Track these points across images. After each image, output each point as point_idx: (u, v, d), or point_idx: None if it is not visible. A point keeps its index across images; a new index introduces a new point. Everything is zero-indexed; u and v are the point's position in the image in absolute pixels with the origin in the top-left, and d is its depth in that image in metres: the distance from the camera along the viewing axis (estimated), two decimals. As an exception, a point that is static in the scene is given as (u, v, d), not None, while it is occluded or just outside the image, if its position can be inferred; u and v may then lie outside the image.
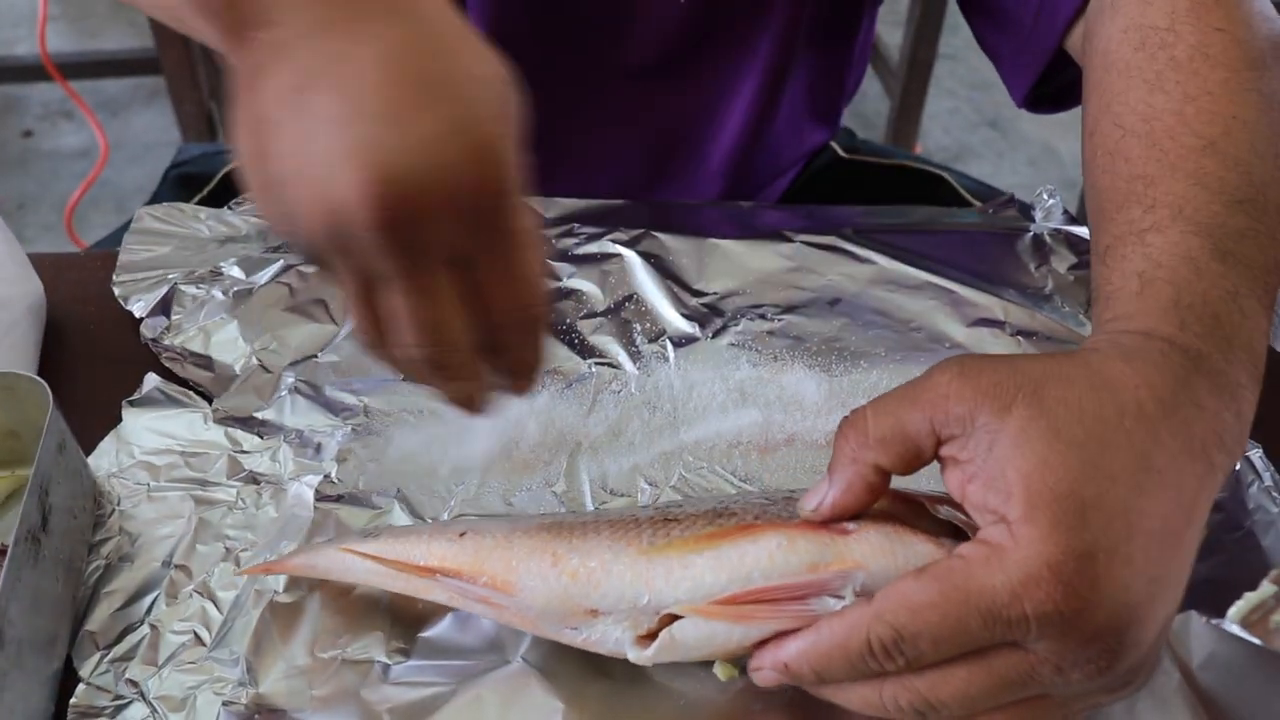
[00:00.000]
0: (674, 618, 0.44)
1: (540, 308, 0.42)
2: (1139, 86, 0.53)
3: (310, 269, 0.68)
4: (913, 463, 0.42)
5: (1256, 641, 0.48)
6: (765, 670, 0.43)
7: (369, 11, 0.38)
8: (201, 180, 0.91)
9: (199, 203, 0.79)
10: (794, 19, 0.80)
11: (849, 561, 0.42)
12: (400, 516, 0.56)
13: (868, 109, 2.48)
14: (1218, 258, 0.45)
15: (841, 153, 0.97)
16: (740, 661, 0.49)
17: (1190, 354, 0.42)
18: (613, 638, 0.45)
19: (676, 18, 0.77)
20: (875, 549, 0.42)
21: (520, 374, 0.45)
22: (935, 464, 0.43)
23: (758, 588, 0.42)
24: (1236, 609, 0.48)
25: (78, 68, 2.10)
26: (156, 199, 0.89)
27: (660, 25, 0.77)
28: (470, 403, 0.46)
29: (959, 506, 0.42)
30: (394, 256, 0.37)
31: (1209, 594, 0.52)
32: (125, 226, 0.76)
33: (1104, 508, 0.37)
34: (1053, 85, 0.72)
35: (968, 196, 0.91)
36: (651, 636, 0.45)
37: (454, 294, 0.39)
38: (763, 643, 0.43)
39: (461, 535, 0.48)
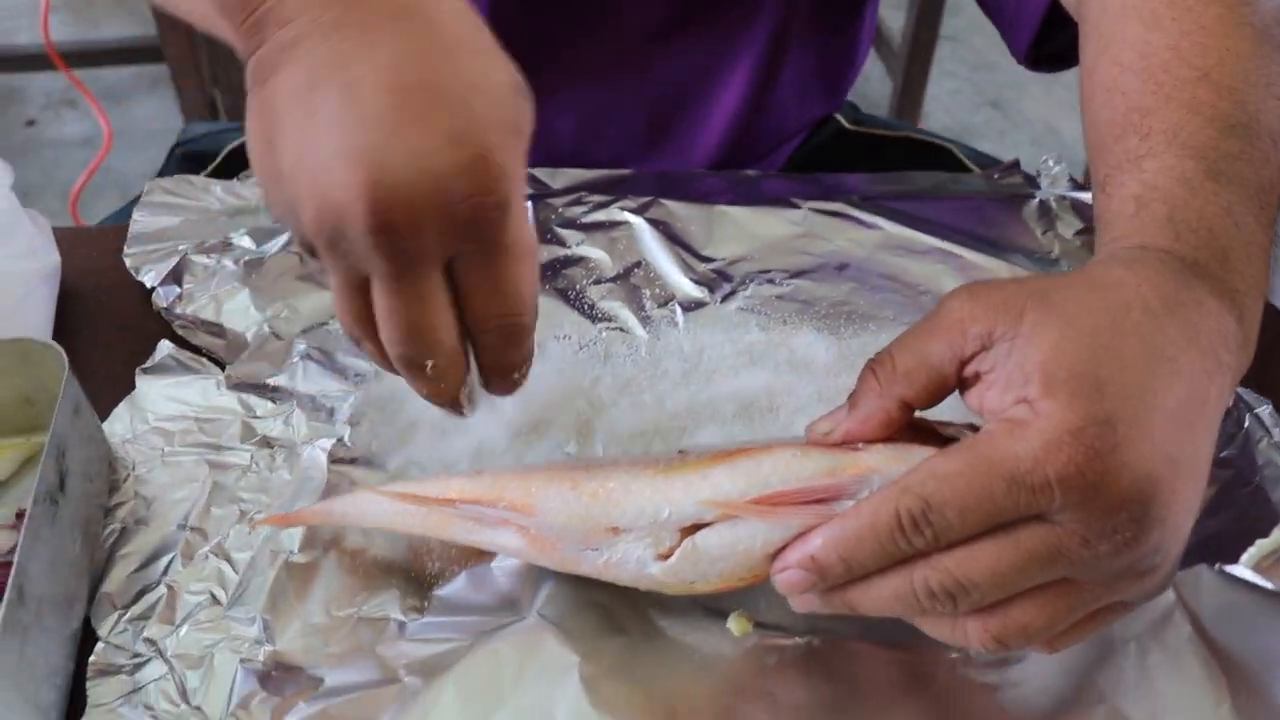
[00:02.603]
0: (695, 531, 0.44)
1: (525, 318, 0.44)
2: (1135, 25, 0.54)
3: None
4: (937, 392, 0.42)
5: (1269, 585, 0.48)
6: (791, 570, 0.42)
7: (380, 13, 0.39)
8: (207, 158, 0.92)
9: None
10: None
11: (864, 467, 0.42)
12: (413, 477, 0.56)
13: (871, 90, 2.48)
14: (1211, 177, 0.46)
15: (847, 124, 0.97)
16: (755, 616, 0.50)
17: (1187, 261, 0.43)
18: (634, 556, 0.45)
19: None
20: (888, 458, 0.42)
21: (500, 377, 0.47)
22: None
23: (777, 490, 0.43)
24: (1249, 555, 0.49)
25: (80, 56, 2.10)
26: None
27: None
28: (449, 405, 0.47)
29: (965, 429, 0.43)
30: (383, 259, 0.38)
31: (1219, 547, 0.52)
32: (129, 206, 0.77)
33: (1120, 384, 0.38)
34: (1053, 45, 0.72)
35: (973, 168, 0.91)
36: (673, 554, 0.45)
37: (441, 298, 0.41)
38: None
39: (479, 473, 0.49)
